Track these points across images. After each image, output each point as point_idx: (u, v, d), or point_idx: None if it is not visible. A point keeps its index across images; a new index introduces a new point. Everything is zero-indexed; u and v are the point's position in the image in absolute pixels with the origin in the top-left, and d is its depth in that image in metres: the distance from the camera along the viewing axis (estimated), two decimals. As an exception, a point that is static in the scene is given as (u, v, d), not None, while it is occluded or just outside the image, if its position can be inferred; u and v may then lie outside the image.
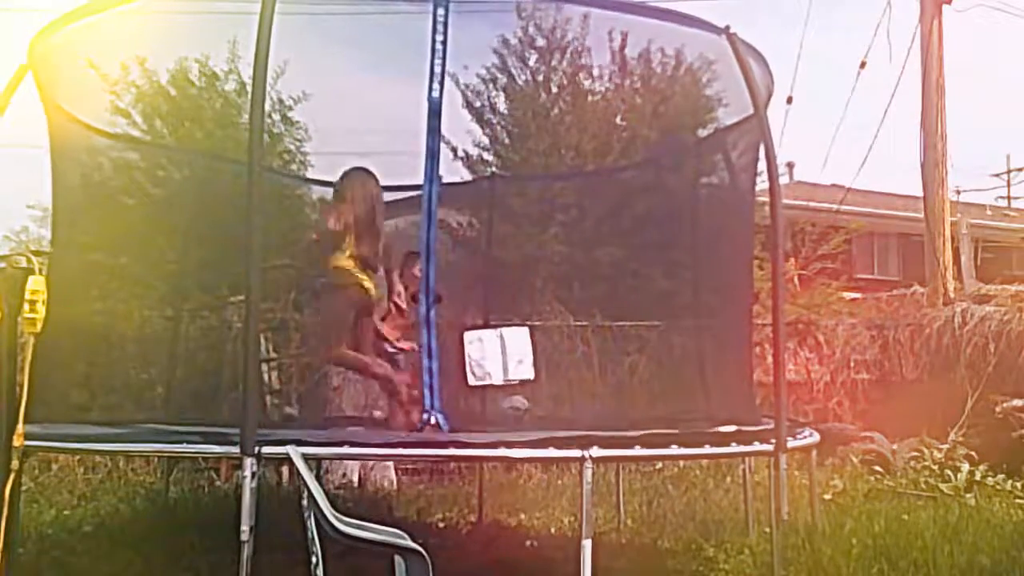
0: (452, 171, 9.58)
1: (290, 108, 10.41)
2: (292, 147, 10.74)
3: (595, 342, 9.25)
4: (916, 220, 12.82)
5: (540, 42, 10.75)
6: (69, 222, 5.90)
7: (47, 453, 7.07)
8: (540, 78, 11.14)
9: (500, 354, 5.91)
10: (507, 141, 11.30)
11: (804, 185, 18.34)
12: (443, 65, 4.14)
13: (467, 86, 10.64)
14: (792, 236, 13.15)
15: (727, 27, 4.65)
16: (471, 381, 6.01)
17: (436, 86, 4.13)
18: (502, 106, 11.35)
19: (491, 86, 11.14)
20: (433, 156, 4.18)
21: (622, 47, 8.90)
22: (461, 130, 10.24)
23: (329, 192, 8.97)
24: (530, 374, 6.26)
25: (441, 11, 4.08)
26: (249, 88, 4.16)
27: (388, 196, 8.52)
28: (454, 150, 10.24)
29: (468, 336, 6.07)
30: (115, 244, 6.72)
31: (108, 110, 8.33)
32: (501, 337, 6.11)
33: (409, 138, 4.50)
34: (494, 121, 11.35)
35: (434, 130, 4.19)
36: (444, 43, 4.10)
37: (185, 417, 6.22)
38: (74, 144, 5.93)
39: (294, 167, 10.45)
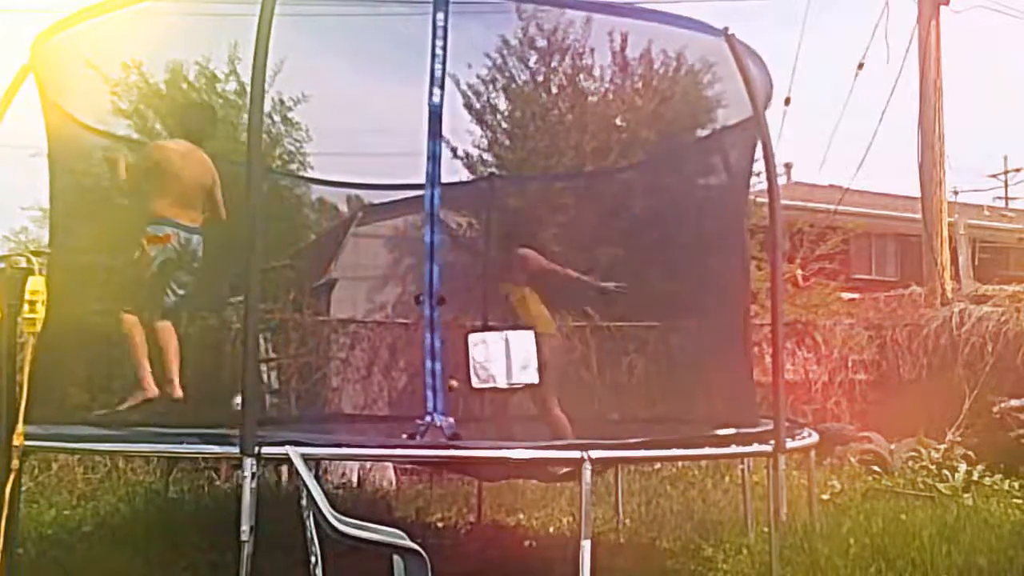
0: (451, 171, 9.60)
1: (290, 108, 10.45)
2: (292, 148, 10.78)
3: (594, 343, 9.28)
4: (914, 220, 12.82)
5: (540, 43, 10.76)
6: (68, 223, 5.90)
7: (47, 453, 7.07)
8: (540, 79, 11.14)
9: (505, 357, 5.92)
10: (507, 142, 11.31)
11: (802, 186, 18.36)
12: (443, 69, 4.15)
13: (469, 85, 10.66)
14: (790, 237, 13.17)
15: (726, 29, 4.67)
16: (475, 383, 6.01)
17: (436, 90, 4.14)
18: (502, 106, 11.37)
19: (491, 87, 11.15)
20: (434, 159, 4.20)
21: (623, 48, 8.93)
22: (461, 130, 10.27)
23: (328, 191, 9.06)
24: (534, 378, 6.27)
25: (441, 16, 4.09)
26: (248, 89, 4.17)
27: (389, 197, 8.59)
28: (453, 150, 10.26)
29: (472, 338, 6.08)
30: (115, 245, 6.71)
31: (109, 111, 8.33)
32: (506, 340, 6.12)
33: (409, 140, 4.52)
34: (494, 122, 11.37)
35: (435, 134, 4.20)
36: (444, 48, 4.12)
37: (184, 417, 6.23)
38: (74, 145, 5.93)
39: (294, 167, 10.48)
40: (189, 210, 5.51)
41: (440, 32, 4.10)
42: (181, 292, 5.61)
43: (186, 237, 5.47)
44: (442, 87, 4.15)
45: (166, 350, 5.48)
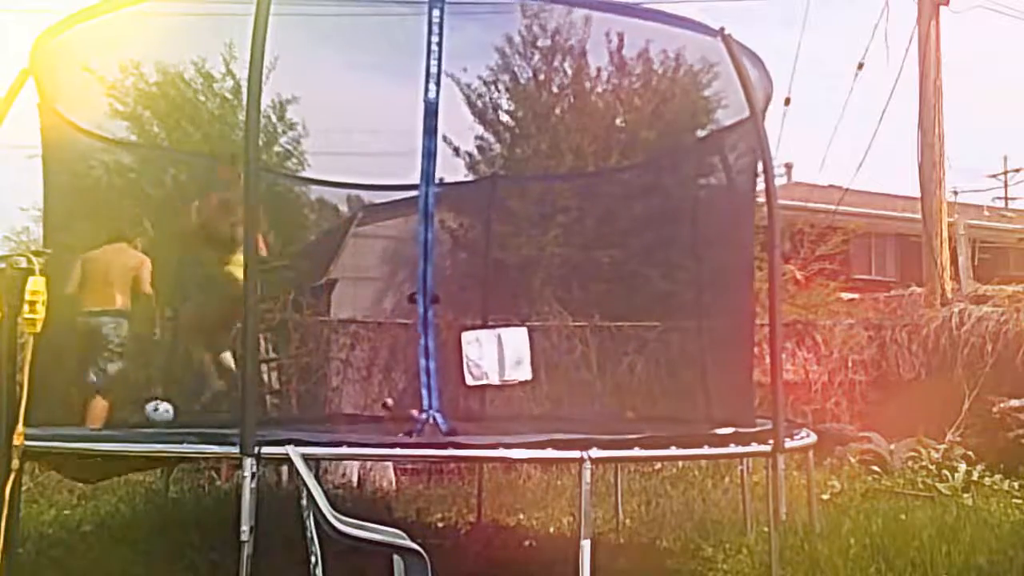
0: (452, 171, 9.58)
1: (283, 108, 10.42)
2: (290, 147, 10.77)
3: (594, 342, 9.28)
4: (914, 221, 12.82)
5: (542, 43, 10.76)
6: (66, 224, 5.90)
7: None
8: (542, 78, 11.14)
9: (498, 354, 5.94)
10: (509, 140, 11.32)
11: (802, 186, 18.33)
12: (439, 66, 4.15)
13: (468, 86, 10.66)
14: (790, 237, 13.16)
15: (722, 29, 4.67)
16: (469, 381, 6.04)
17: (432, 87, 4.14)
18: (504, 106, 11.37)
19: (492, 87, 11.15)
20: (430, 157, 4.20)
21: (620, 48, 8.93)
22: (463, 130, 10.26)
23: (328, 192, 9.05)
24: (527, 375, 6.29)
25: (436, 12, 4.09)
26: (245, 89, 4.17)
27: (386, 197, 8.59)
28: (456, 149, 10.25)
29: (466, 336, 6.10)
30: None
31: (107, 113, 8.33)
32: (499, 337, 6.14)
33: (407, 139, 4.51)
34: (496, 121, 11.37)
35: (430, 131, 4.19)
36: (440, 45, 4.11)
37: (184, 417, 6.23)
38: (73, 149, 5.94)
39: (290, 165, 10.47)
40: (113, 297, 5.91)
41: (436, 29, 4.10)
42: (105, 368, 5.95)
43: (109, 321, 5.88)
44: (438, 84, 4.15)
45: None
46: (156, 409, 5.88)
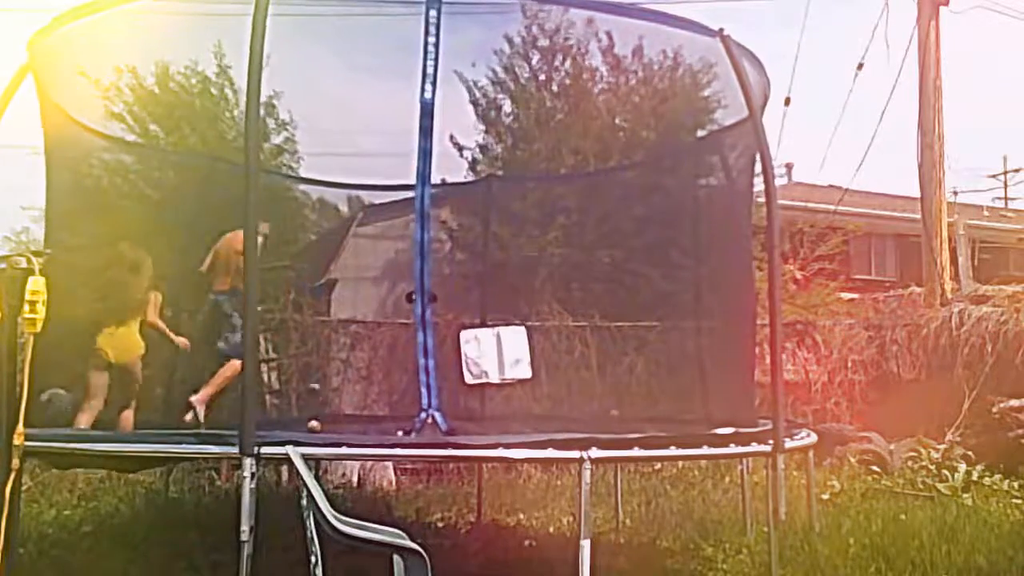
0: (456, 171, 9.57)
1: (274, 107, 10.40)
2: (285, 146, 10.77)
3: (594, 342, 9.28)
4: (913, 221, 12.82)
5: (541, 43, 10.76)
6: (65, 223, 5.90)
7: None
8: (542, 78, 11.15)
9: (497, 353, 5.93)
10: (510, 140, 11.32)
11: (802, 186, 18.36)
12: (435, 66, 4.15)
13: (475, 83, 10.68)
14: (790, 237, 13.16)
15: (721, 29, 4.67)
16: (468, 380, 6.02)
17: (428, 87, 4.15)
18: (505, 107, 11.38)
19: (496, 88, 11.15)
20: (426, 157, 4.20)
21: (610, 47, 8.94)
22: (467, 129, 10.26)
23: (328, 192, 9.05)
24: (527, 373, 6.28)
25: (433, 13, 4.09)
26: (243, 89, 4.18)
27: (382, 197, 8.60)
28: (460, 148, 10.24)
29: (464, 335, 6.09)
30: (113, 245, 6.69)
31: (105, 113, 8.32)
32: (498, 336, 6.13)
33: (406, 139, 4.51)
34: (497, 120, 11.37)
35: (426, 131, 4.20)
36: (436, 45, 4.12)
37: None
38: (73, 144, 5.93)
39: (290, 164, 10.46)
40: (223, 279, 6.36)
41: (432, 29, 4.10)
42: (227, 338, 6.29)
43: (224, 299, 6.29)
44: (434, 84, 4.15)
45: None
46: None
